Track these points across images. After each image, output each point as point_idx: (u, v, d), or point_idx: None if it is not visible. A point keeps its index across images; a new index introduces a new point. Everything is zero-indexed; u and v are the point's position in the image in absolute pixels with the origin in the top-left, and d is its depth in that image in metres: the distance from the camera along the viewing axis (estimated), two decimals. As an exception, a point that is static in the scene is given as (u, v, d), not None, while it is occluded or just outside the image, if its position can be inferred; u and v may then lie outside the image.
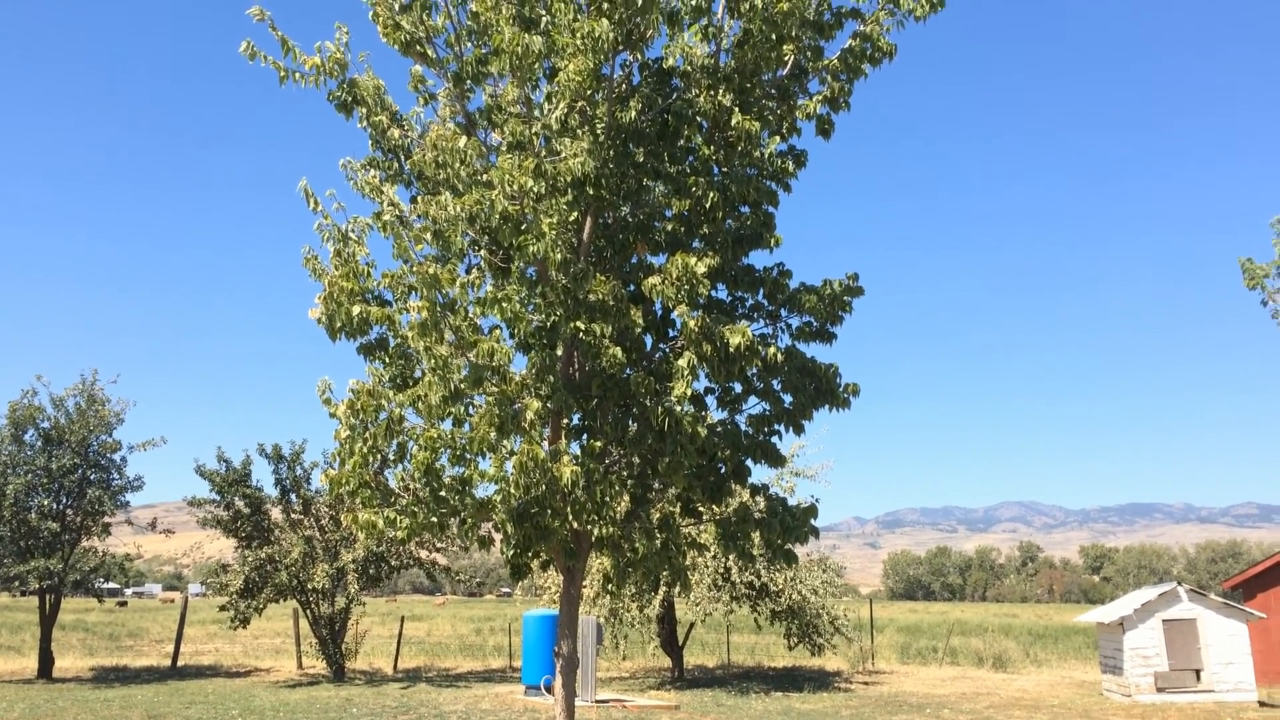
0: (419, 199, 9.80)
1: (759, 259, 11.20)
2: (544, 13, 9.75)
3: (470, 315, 9.23)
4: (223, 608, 28.71)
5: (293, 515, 29.76)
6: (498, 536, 10.31)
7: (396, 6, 9.55)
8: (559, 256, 8.98)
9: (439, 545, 29.65)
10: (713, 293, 10.93)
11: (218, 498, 29.15)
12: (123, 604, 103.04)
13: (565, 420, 10.22)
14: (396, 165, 10.66)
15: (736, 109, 10.27)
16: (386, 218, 9.40)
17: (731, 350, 9.46)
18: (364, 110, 10.17)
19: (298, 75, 9.65)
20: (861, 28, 10.73)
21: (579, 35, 8.99)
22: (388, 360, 10.04)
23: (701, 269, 9.30)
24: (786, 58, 10.74)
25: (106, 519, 29.88)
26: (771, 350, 10.03)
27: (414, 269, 9.38)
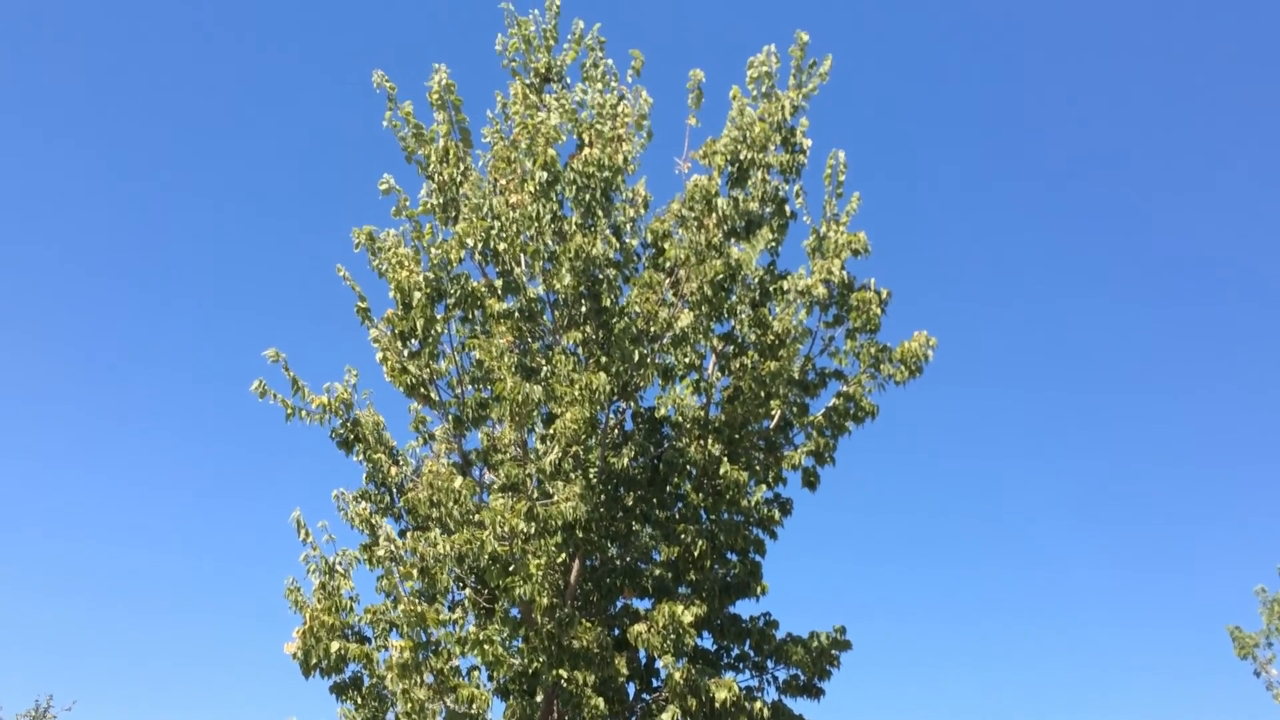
0: (409, 534, 9.86)
1: (745, 607, 11.13)
2: (544, 362, 10.27)
3: (451, 656, 9.05)
4: None
5: None
6: None
7: (406, 353, 10.06)
8: (545, 601, 8.92)
9: None
10: (698, 641, 10.76)
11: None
12: None
13: (541, 774, 9.72)
14: (389, 499, 10.79)
15: (725, 459, 10.59)
16: (380, 553, 9.42)
17: (717, 705, 9.20)
18: (363, 446, 10.43)
19: (304, 413, 10.00)
20: (845, 388, 11.28)
21: (578, 386, 9.43)
22: (360, 701, 9.67)
23: (688, 618, 9.23)
24: (774, 412, 11.21)
25: None
26: (758, 705, 9.75)
27: (399, 604, 9.30)
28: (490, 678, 9.69)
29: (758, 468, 11.14)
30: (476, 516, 9.38)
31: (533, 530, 9.10)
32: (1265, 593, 19.12)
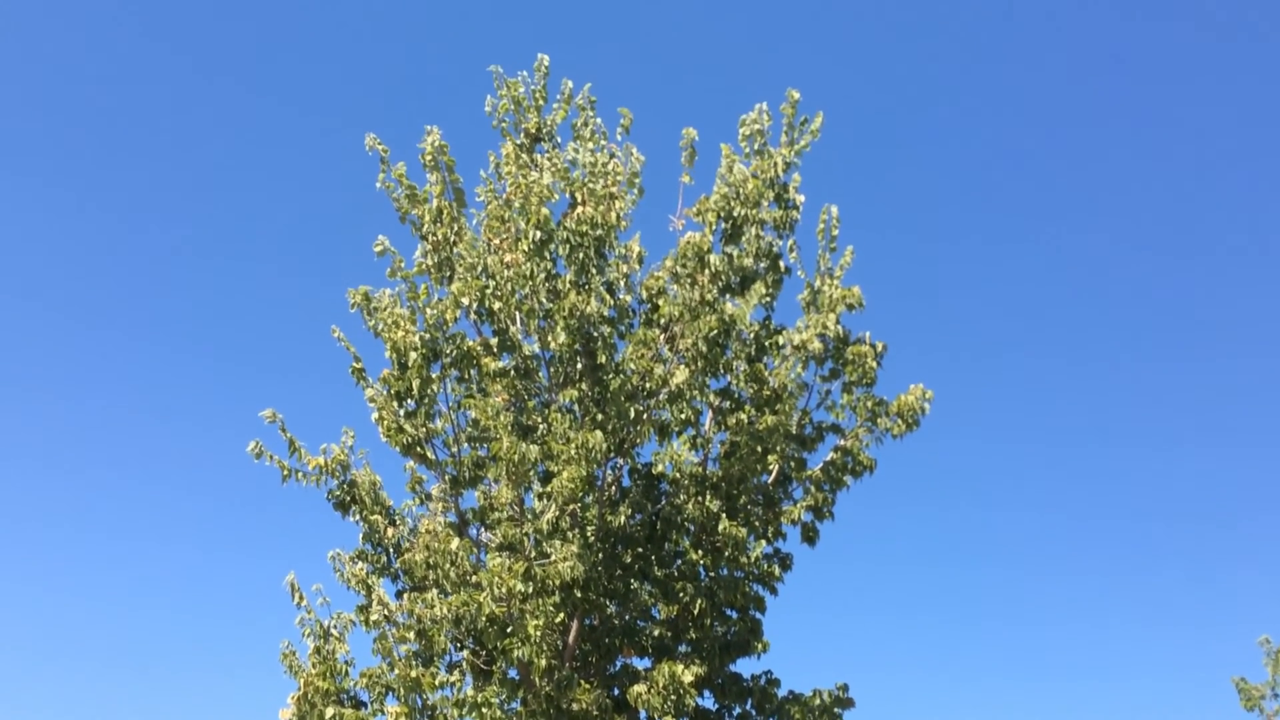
0: (406, 595, 9.77)
1: (746, 666, 11.00)
2: (540, 420, 10.24)
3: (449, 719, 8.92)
4: None
5: None
6: None
7: (402, 412, 10.03)
8: (544, 662, 8.82)
9: None
10: (699, 701, 10.61)
11: None
12: None
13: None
14: (385, 559, 10.68)
15: (723, 515, 10.52)
16: (374, 616, 9.32)
17: (719, 767, 9.05)
18: (359, 507, 10.35)
19: (300, 475, 9.94)
20: (842, 442, 11.26)
21: (574, 444, 9.39)
22: (356, 768, 9.51)
23: (688, 678, 9.12)
24: (771, 467, 11.17)
25: None
26: (761, 766, 9.60)
27: (395, 667, 9.18)
28: (488, 742, 9.54)
29: (756, 523, 11.07)
30: (474, 577, 9.29)
31: (530, 590, 9.02)
32: (1270, 643, 18.93)
